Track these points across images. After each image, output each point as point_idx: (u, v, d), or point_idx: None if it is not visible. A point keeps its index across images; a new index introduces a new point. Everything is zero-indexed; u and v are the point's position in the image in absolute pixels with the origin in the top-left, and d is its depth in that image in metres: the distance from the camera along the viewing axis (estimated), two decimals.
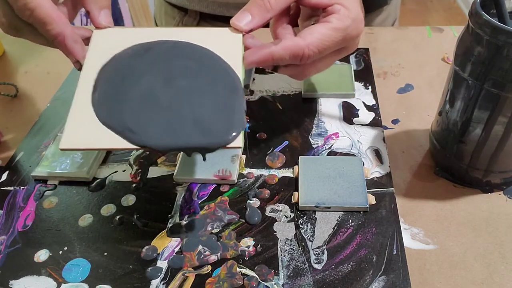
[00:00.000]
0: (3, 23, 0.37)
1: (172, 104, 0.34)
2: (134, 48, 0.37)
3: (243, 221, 0.40)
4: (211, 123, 0.33)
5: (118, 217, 0.41)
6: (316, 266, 0.36)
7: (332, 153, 0.46)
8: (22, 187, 0.44)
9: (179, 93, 0.34)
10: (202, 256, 0.37)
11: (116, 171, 0.45)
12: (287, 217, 0.40)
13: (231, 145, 0.33)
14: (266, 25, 0.39)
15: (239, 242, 0.38)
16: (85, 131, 0.33)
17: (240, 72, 0.36)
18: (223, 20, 0.68)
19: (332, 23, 0.37)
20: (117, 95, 0.34)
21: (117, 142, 0.32)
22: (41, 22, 0.34)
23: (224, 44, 0.38)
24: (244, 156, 0.46)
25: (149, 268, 0.37)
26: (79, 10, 0.39)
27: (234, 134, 0.33)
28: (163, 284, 0.36)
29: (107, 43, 0.37)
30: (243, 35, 0.38)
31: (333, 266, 0.36)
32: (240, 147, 0.33)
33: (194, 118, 0.33)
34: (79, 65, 0.36)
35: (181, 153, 0.45)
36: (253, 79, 0.56)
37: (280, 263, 0.37)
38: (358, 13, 0.39)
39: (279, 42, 0.37)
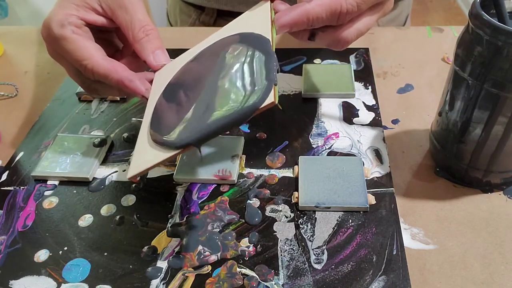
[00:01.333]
0: (84, 88, 0.42)
1: (208, 95, 0.35)
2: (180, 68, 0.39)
3: (243, 221, 0.40)
4: (244, 89, 0.33)
5: (118, 217, 0.41)
6: (316, 266, 0.36)
7: (332, 153, 0.46)
8: (22, 187, 0.44)
9: (215, 81, 0.35)
10: (202, 256, 0.37)
11: (116, 171, 0.45)
12: (287, 217, 0.40)
13: (265, 103, 0.32)
14: None
15: (239, 242, 0.38)
16: (143, 155, 0.35)
17: (269, 34, 0.36)
18: None
19: None
20: (162, 110, 0.36)
21: (163, 154, 0.34)
22: (102, 76, 0.38)
23: (254, 18, 0.38)
24: (244, 156, 0.46)
25: (149, 268, 0.37)
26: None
27: (265, 92, 0.32)
28: (163, 284, 0.36)
29: (164, 76, 0.39)
30: (272, 1, 0.38)
31: (333, 266, 0.36)
32: (274, 103, 0.32)
33: (227, 93, 0.34)
34: (145, 99, 0.39)
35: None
36: None
37: (280, 263, 0.37)
38: None
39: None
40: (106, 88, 0.41)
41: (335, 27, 0.38)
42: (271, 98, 0.32)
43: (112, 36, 0.44)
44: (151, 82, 0.40)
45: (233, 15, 0.68)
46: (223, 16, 0.69)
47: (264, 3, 0.39)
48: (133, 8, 0.39)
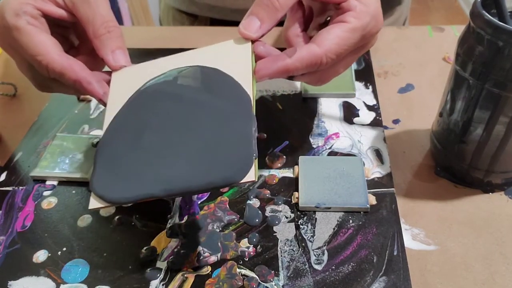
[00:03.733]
0: (35, 85, 0.39)
1: (169, 145, 0.32)
2: (135, 98, 0.36)
3: (243, 221, 0.40)
4: (215, 157, 0.31)
5: (117, 217, 0.41)
6: (316, 266, 0.36)
7: (332, 153, 0.45)
8: (21, 187, 0.44)
9: (179, 131, 0.33)
10: (202, 257, 0.37)
11: None
12: (287, 218, 0.40)
13: (244, 180, 0.30)
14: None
15: (239, 242, 0.38)
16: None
17: (250, 88, 0.33)
18: (234, 25, 0.67)
19: (349, 23, 0.34)
20: (116, 154, 0.34)
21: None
22: (58, 74, 0.36)
23: (233, 57, 0.35)
24: None
25: (149, 269, 0.37)
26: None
27: (242, 167, 0.30)
28: (163, 285, 0.36)
29: (123, 84, 0.37)
30: (252, 43, 0.35)
31: (334, 267, 0.36)
32: (254, 181, 0.30)
33: (195, 155, 0.31)
34: (103, 103, 0.37)
35: None
36: None
37: (280, 264, 0.36)
38: (377, 7, 0.36)
39: (294, 53, 0.34)
40: (61, 87, 0.38)
41: (314, 71, 0.37)
42: (251, 176, 0.30)
43: (67, 32, 0.41)
44: (108, 82, 0.37)
45: (226, 24, 0.68)
46: (216, 25, 0.69)
47: (244, 42, 0.35)
48: (96, 2, 0.37)
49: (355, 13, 0.34)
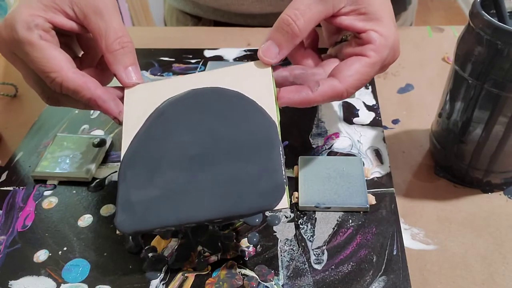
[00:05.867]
0: (43, 98, 0.38)
1: (191, 179, 0.32)
2: (153, 121, 0.35)
3: (243, 221, 0.40)
4: (243, 189, 0.31)
5: None
6: (316, 266, 0.36)
7: (332, 153, 0.45)
8: (21, 187, 0.44)
9: (201, 162, 0.32)
10: (202, 256, 0.37)
11: (116, 171, 0.45)
12: (287, 217, 0.40)
13: (276, 208, 0.30)
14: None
15: (239, 242, 0.38)
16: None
17: (274, 114, 0.33)
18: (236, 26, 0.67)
19: (369, 58, 0.34)
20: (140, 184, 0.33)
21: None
22: (71, 92, 0.35)
23: (253, 81, 0.35)
24: None
25: (149, 269, 0.37)
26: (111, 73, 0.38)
27: (274, 196, 0.30)
28: (163, 284, 0.36)
29: (138, 103, 0.36)
30: (272, 67, 0.35)
31: (333, 267, 0.36)
32: (287, 207, 0.30)
33: (221, 189, 0.31)
34: (118, 121, 0.36)
35: None
36: None
37: (280, 264, 0.36)
38: (395, 38, 0.35)
39: (316, 87, 0.34)
40: (71, 102, 0.38)
41: None
42: (284, 203, 0.30)
43: (71, 41, 0.40)
44: (121, 99, 0.37)
45: (230, 26, 0.68)
46: (220, 26, 0.69)
47: (264, 67, 0.35)
48: (109, 15, 0.35)
49: (375, 47, 0.34)
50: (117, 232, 0.33)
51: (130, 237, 0.39)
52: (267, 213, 0.40)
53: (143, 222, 0.32)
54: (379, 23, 0.35)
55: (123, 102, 0.36)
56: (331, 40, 0.40)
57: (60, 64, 0.34)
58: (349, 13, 0.35)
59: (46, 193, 0.43)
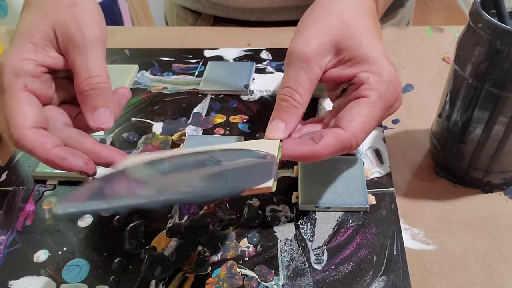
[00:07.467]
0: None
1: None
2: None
3: (243, 221, 0.40)
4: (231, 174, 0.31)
5: (117, 217, 0.41)
6: (316, 266, 0.36)
7: None
8: (21, 187, 0.44)
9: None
10: (202, 256, 0.37)
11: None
12: (287, 217, 0.40)
13: (262, 185, 0.29)
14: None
15: (239, 242, 0.38)
16: None
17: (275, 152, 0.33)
18: (237, 23, 0.68)
19: (366, 97, 0.33)
20: None
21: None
22: (27, 151, 0.32)
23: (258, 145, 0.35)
24: None
25: (149, 269, 0.37)
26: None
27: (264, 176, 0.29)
28: (163, 284, 0.36)
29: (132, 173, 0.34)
30: (281, 141, 0.34)
31: (333, 267, 0.36)
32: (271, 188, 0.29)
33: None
34: (85, 174, 0.33)
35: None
36: (253, 79, 0.56)
37: (280, 264, 0.37)
38: (390, 73, 0.34)
39: (320, 138, 0.32)
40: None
41: None
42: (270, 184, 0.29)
43: None
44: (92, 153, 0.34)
45: (229, 21, 0.69)
46: (219, 22, 0.70)
47: (273, 141, 0.35)
48: (86, 50, 0.34)
49: (369, 85, 0.33)
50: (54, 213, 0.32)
51: (129, 237, 0.38)
52: (267, 213, 0.40)
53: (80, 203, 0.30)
54: (367, 63, 0.34)
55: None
56: (332, 95, 0.39)
57: (23, 122, 0.32)
58: (336, 65, 0.35)
59: (46, 193, 0.43)
